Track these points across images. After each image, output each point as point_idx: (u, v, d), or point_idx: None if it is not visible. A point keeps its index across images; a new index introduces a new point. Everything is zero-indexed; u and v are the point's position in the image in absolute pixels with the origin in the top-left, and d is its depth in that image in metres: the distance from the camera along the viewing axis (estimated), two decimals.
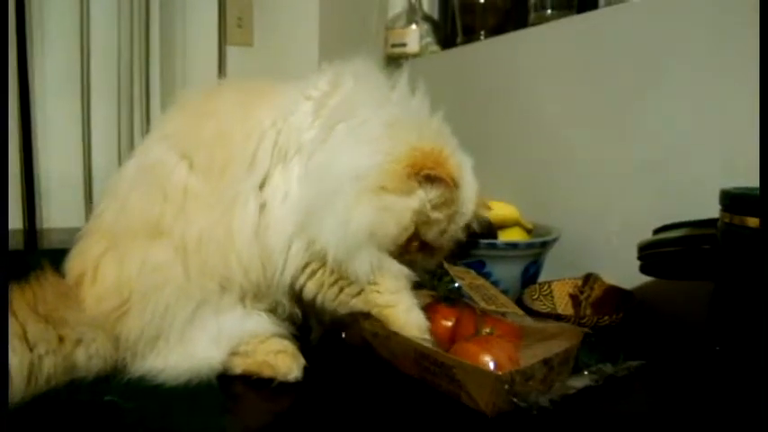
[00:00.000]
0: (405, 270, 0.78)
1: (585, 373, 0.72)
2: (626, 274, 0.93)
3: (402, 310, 0.76)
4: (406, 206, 0.76)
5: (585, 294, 0.98)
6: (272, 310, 0.80)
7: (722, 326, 0.66)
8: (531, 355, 0.69)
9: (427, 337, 0.75)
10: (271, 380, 0.72)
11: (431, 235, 0.79)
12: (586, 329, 0.75)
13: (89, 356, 0.70)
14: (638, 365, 0.75)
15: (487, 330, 0.74)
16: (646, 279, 0.91)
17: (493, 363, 0.66)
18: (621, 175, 1.04)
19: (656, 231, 0.81)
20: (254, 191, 0.77)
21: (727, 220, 0.63)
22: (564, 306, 1.00)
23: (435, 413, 0.66)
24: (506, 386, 0.62)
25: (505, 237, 1.06)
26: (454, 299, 0.83)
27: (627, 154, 1.03)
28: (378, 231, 0.75)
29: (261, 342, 0.76)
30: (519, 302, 0.97)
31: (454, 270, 0.82)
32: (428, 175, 0.75)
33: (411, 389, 0.71)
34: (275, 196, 0.77)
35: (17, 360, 0.64)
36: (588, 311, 0.95)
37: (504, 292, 0.98)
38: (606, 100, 1.07)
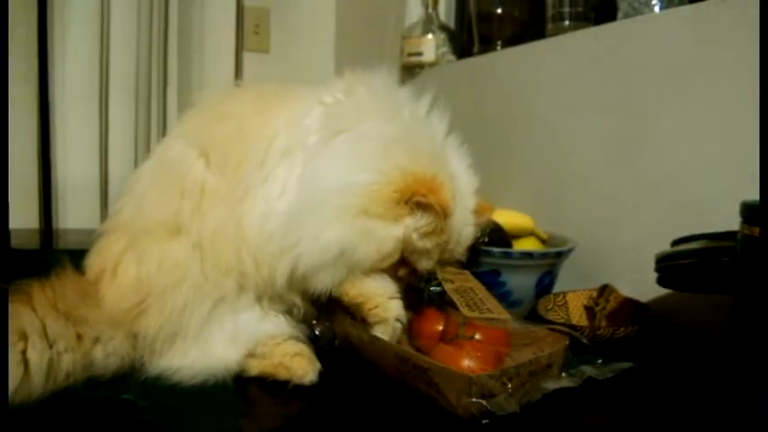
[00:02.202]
0: (392, 286, 0.78)
1: (563, 375, 0.72)
2: (642, 286, 0.93)
3: (381, 295, 0.76)
4: (390, 234, 0.75)
5: (601, 306, 0.97)
6: (288, 312, 0.81)
7: (741, 340, 0.65)
8: (517, 359, 0.69)
9: (398, 326, 0.75)
10: (286, 382, 0.72)
11: (419, 263, 0.79)
12: (575, 334, 0.76)
13: (107, 354, 0.70)
14: (627, 368, 0.75)
15: (476, 336, 0.74)
16: (663, 292, 0.90)
17: (467, 365, 0.67)
18: (639, 187, 1.04)
19: (675, 243, 0.81)
20: (263, 186, 0.77)
21: (746, 231, 0.63)
22: (578, 317, 0.99)
23: (427, 417, 0.66)
24: (475, 388, 0.63)
25: (520, 246, 1.05)
26: (436, 302, 0.81)
27: (644, 166, 1.03)
28: (351, 252, 0.73)
29: (277, 344, 0.76)
30: (533, 312, 0.98)
31: (444, 272, 0.80)
32: (419, 202, 0.73)
33: (407, 392, 0.71)
34: (274, 190, 0.77)
35: (37, 356, 0.65)
36: (603, 323, 0.95)
37: (518, 301, 0.99)
38: (624, 112, 1.07)
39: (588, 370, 0.73)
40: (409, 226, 0.75)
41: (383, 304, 0.76)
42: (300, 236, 0.73)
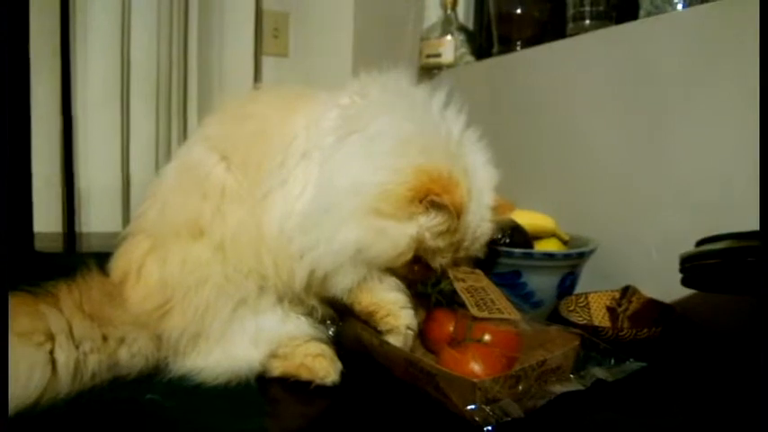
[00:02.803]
0: (400, 285, 0.78)
1: (572, 376, 0.72)
2: (666, 287, 0.92)
3: (393, 303, 0.77)
4: (403, 232, 0.74)
5: (623, 307, 0.96)
6: (309, 313, 0.81)
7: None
8: (525, 362, 0.69)
9: (410, 334, 0.76)
10: (308, 382, 0.73)
11: (433, 261, 0.78)
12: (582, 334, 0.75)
13: (132, 355, 0.71)
14: (638, 369, 0.74)
15: (485, 337, 0.74)
16: (687, 293, 0.89)
17: (474, 369, 0.66)
18: (662, 188, 1.03)
19: (699, 243, 0.80)
20: (282, 188, 0.77)
21: None
22: (601, 318, 0.99)
23: (439, 421, 0.66)
24: (480, 393, 0.62)
25: (542, 247, 1.05)
26: (443, 303, 0.81)
27: (668, 166, 1.02)
28: (367, 251, 0.74)
29: (299, 345, 0.76)
30: (555, 314, 0.97)
31: (456, 271, 0.80)
32: (432, 201, 0.73)
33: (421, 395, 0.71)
34: (293, 192, 0.77)
35: (64, 357, 0.66)
36: (626, 324, 0.94)
37: (540, 302, 0.98)
38: (646, 111, 1.06)
39: (598, 371, 0.73)
40: (422, 225, 0.74)
41: (394, 313, 0.76)
42: (318, 237, 0.74)
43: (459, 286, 0.77)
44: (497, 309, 0.75)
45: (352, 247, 0.73)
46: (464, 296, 0.75)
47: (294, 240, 0.75)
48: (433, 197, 0.73)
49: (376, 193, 0.73)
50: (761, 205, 0.59)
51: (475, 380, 0.63)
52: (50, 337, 0.66)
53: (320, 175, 0.76)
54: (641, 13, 1.12)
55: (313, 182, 0.77)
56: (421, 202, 0.73)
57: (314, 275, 0.76)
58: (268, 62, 2.16)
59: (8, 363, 0.57)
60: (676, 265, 0.82)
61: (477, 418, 0.62)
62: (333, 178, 0.75)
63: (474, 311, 0.73)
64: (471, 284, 0.78)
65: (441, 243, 0.76)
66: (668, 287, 0.92)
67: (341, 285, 0.75)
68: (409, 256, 0.76)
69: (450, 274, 0.79)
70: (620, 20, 1.21)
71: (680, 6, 1.05)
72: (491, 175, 0.83)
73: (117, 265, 0.79)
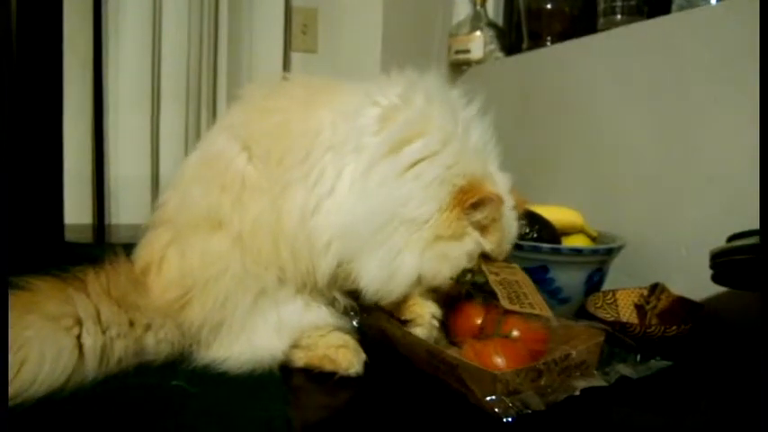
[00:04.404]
0: None
1: (596, 372, 0.71)
2: (696, 285, 0.91)
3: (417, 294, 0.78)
4: (462, 251, 0.76)
5: (652, 305, 0.95)
6: (331, 303, 0.81)
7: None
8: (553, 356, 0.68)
9: (435, 324, 0.76)
10: (332, 373, 0.73)
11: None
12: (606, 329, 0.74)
13: (158, 341, 0.72)
14: (664, 367, 0.73)
15: (514, 333, 0.73)
16: (717, 291, 0.88)
17: (496, 362, 0.66)
18: (692, 184, 1.01)
19: (730, 239, 0.78)
20: (305, 181, 0.77)
21: None
22: (628, 316, 0.97)
23: (462, 412, 0.66)
24: (500, 385, 0.62)
25: (570, 243, 1.04)
26: (473, 295, 0.81)
27: (698, 162, 1.00)
28: (428, 277, 0.75)
29: (322, 336, 0.76)
30: (582, 310, 0.96)
31: (490, 266, 0.79)
32: (471, 204, 0.75)
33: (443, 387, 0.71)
34: (322, 187, 0.77)
35: (91, 341, 0.67)
36: (654, 321, 0.92)
37: (567, 299, 0.97)
38: (678, 107, 1.05)
39: (622, 368, 0.72)
40: (475, 238, 0.77)
41: (420, 302, 0.77)
42: (366, 260, 0.74)
43: (492, 279, 0.77)
44: (529, 303, 0.74)
45: (414, 275, 0.75)
46: (496, 288, 0.75)
47: (322, 238, 0.76)
48: (470, 200, 0.74)
49: (433, 223, 0.75)
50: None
51: (495, 372, 0.63)
52: (78, 322, 0.67)
53: (366, 184, 0.76)
54: (673, 7, 1.10)
55: (348, 180, 0.76)
56: (464, 212, 0.75)
57: (340, 273, 0.76)
58: (297, 58, 2.17)
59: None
60: (706, 263, 0.80)
61: (497, 410, 0.62)
62: (383, 197, 0.75)
63: (505, 303, 0.73)
64: (504, 277, 0.78)
65: (492, 241, 0.78)
66: (697, 285, 0.90)
67: (387, 300, 0.76)
68: (470, 265, 0.78)
69: (485, 267, 0.78)
70: (652, 14, 1.19)
71: (713, 1, 1.03)
72: (506, 180, 0.84)
73: (139, 255, 0.79)
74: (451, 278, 0.77)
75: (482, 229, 0.78)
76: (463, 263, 0.77)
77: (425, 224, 0.74)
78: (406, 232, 0.74)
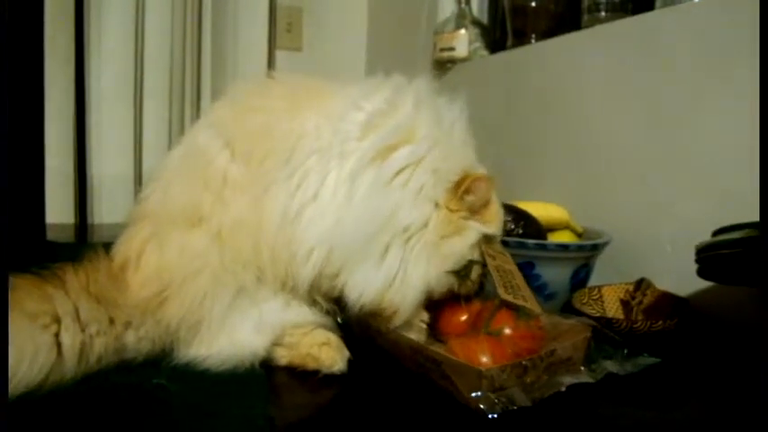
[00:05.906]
0: None
1: (582, 369, 0.71)
2: (681, 281, 0.91)
3: None
4: (465, 243, 0.76)
5: (637, 300, 0.95)
6: (312, 304, 0.80)
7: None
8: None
9: (422, 326, 0.76)
10: (316, 371, 0.72)
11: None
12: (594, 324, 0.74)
13: (138, 339, 0.71)
14: (652, 363, 0.73)
15: (505, 330, 0.73)
16: (703, 286, 0.88)
17: (482, 358, 0.65)
18: (677, 180, 1.01)
19: (716, 233, 0.78)
20: (287, 183, 0.75)
21: None
22: (614, 311, 0.97)
23: (448, 409, 0.65)
24: (485, 381, 0.62)
25: (555, 239, 1.04)
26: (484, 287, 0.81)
27: (683, 158, 1.00)
28: (436, 281, 0.75)
29: (304, 334, 0.75)
30: (568, 306, 0.96)
31: (488, 247, 0.79)
32: (465, 188, 0.75)
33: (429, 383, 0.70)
34: (306, 195, 0.75)
35: (70, 339, 0.65)
36: (640, 317, 0.92)
37: (553, 294, 0.97)
38: (662, 103, 1.05)
39: (610, 365, 0.72)
40: (476, 228, 0.77)
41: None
42: (358, 270, 0.73)
43: (490, 263, 0.76)
44: (522, 296, 0.74)
45: (425, 284, 0.74)
46: (494, 275, 0.74)
47: (304, 245, 0.74)
48: (460, 189, 0.75)
49: (432, 225, 0.75)
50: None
51: (480, 368, 0.62)
52: (56, 320, 0.66)
53: (350, 189, 0.74)
54: (657, 3, 1.10)
55: (332, 186, 0.75)
56: (461, 200, 0.76)
57: (323, 276, 0.75)
58: (281, 56, 2.16)
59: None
60: (691, 259, 0.80)
61: (482, 406, 0.61)
62: (372, 208, 0.74)
63: (501, 292, 0.72)
64: (501, 264, 0.78)
65: (490, 221, 0.79)
66: (683, 281, 0.90)
67: (392, 313, 0.75)
68: (475, 255, 0.78)
69: (483, 248, 0.78)
70: (636, 11, 1.19)
71: None
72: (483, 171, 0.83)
73: (118, 250, 0.78)
74: (461, 273, 0.77)
75: (479, 213, 0.78)
76: (468, 255, 0.77)
77: (425, 228, 0.74)
78: (404, 242, 0.73)
